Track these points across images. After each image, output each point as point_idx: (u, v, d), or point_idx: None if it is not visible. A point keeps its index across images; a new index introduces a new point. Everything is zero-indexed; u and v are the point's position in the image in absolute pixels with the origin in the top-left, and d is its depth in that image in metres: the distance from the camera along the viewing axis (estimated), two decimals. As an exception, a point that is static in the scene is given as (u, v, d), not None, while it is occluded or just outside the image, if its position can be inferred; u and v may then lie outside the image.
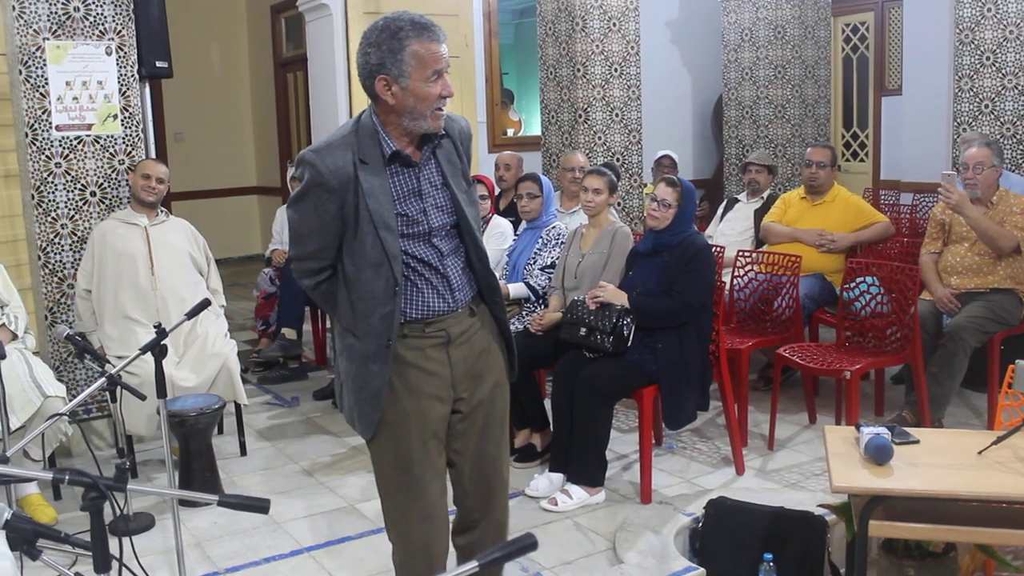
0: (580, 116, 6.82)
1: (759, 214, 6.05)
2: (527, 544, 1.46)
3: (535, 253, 4.97)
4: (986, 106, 5.90)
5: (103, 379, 2.97)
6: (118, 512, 2.59)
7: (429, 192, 2.53)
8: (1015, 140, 5.80)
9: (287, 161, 7.75)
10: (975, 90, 5.95)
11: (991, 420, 4.80)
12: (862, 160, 9.38)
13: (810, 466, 4.44)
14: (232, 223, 10.95)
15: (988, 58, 5.86)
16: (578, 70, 6.77)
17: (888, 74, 9.09)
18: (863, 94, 9.32)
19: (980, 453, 2.81)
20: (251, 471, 4.66)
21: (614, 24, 6.80)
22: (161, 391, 3.34)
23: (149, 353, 3.22)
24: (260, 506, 1.82)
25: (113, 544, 2.00)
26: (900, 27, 8.62)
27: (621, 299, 4.11)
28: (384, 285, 2.45)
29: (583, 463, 4.08)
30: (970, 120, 5.97)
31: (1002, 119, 5.85)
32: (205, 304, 3.44)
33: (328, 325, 6.31)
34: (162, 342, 3.22)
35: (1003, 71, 5.82)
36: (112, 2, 4.84)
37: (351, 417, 2.59)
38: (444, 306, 2.55)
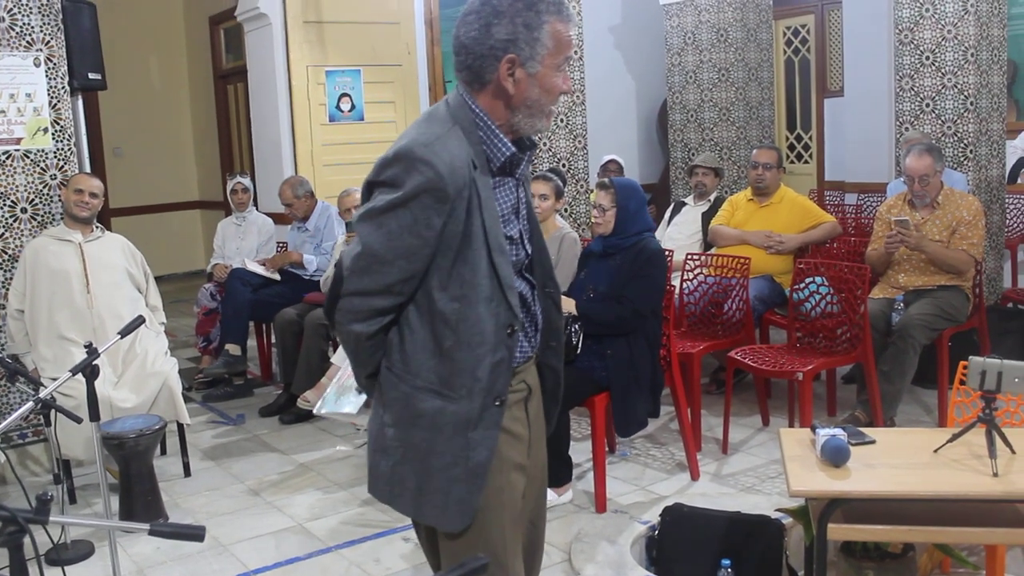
0: (525, 122, 6.75)
1: (707, 217, 6.03)
2: (478, 567, 1.39)
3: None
4: (927, 105, 5.94)
5: (30, 403, 2.84)
6: (53, 542, 2.49)
7: (523, 212, 2.09)
8: (956, 138, 5.86)
9: (226, 174, 7.59)
10: (916, 89, 5.99)
11: (942, 417, 4.83)
12: (806, 162, 9.45)
13: (765, 469, 4.41)
14: (174, 239, 10.77)
15: (928, 58, 5.91)
16: (522, 76, 6.70)
17: (829, 76, 9.18)
18: (805, 96, 9.40)
19: (936, 451, 2.79)
20: (195, 492, 4.52)
21: (557, 29, 6.73)
22: (94, 414, 3.21)
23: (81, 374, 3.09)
24: (194, 534, 1.72)
25: (52, 574, 1.91)
26: (840, 29, 8.70)
27: (569, 307, 4.04)
28: (495, 325, 1.96)
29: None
30: (912, 119, 6.02)
31: (943, 118, 5.90)
32: (139, 321, 3.32)
33: (274, 340, 6.17)
34: (94, 362, 3.09)
35: (942, 70, 5.87)
36: (40, 12, 4.69)
37: (419, 505, 2.02)
38: (530, 351, 2.13)
